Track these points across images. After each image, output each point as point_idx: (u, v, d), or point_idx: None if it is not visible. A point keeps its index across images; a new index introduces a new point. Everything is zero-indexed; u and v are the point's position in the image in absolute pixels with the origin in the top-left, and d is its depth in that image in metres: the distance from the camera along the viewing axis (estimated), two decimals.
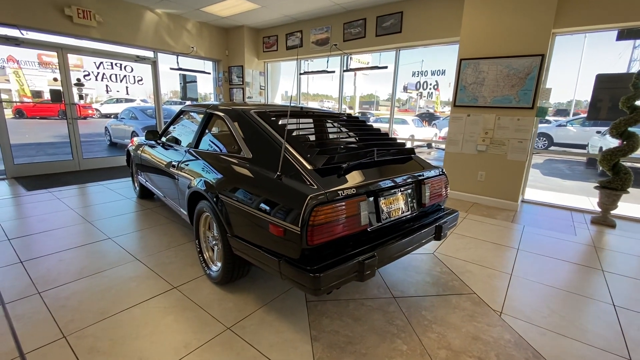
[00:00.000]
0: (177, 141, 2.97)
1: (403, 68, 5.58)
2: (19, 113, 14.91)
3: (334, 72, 6.39)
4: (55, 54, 5.25)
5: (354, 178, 1.75)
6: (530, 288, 2.35)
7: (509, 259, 2.82)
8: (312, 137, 2.44)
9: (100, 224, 3.28)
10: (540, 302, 2.19)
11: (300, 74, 6.93)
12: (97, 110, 16.31)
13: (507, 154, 4.25)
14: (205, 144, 2.50)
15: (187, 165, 2.46)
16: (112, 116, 11.52)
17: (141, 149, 3.55)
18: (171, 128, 3.21)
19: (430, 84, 5.36)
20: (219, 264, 2.20)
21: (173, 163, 2.68)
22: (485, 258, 2.81)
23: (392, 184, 1.90)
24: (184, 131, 2.96)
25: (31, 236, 2.94)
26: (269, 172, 1.78)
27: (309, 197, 1.48)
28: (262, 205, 1.68)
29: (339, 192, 1.58)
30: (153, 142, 3.28)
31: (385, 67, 5.69)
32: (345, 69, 6.20)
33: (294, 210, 1.51)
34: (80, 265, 2.45)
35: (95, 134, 11.70)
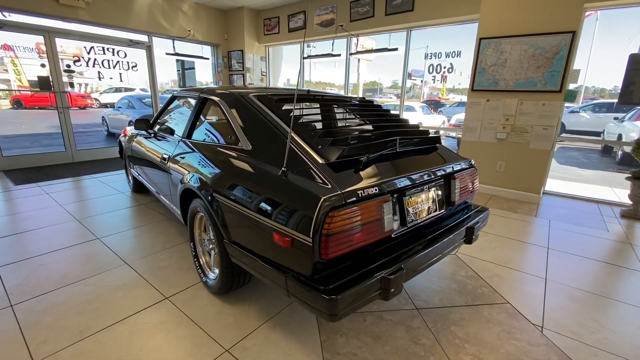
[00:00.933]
0: (170, 131, 2.67)
1: (414, 52, 5.19)
2: (17, 103, 14.63)
3: (339, 55, 6.00)
4: (42, 38, 4.91)
5: (374, 174, 1.45)
6: (570, 296, 2.07)
7: (540, 259, 2.53)
8: (323, 125, 2.13)
9: (90, 221, 3.02)
10: (585, 313, 1.90)
11: (304, 58, 6.54)
12: (96, 100, 16.02)
13: (530, 143, 3.91)
14: (200, 133, 2.20)
15: (179, 158, 2.16)
16: (110, 106, 11.23)
17: (133, 139, 3.26)
18: (166, 117, 2.90)
19: (444, 67, 4.98)
20: (217, 271, 1.93)
21: (164, 156, 2.38)
22: (513, 259, 2.52)
23: (420, 180, 1.60)
24: (177, 119, 2.66)
25: (12, 237, 2.68)
26: (272, 167, 1.48)
27: (322, 200, 1.19)
28: (264, 208, 1.39)
29: (359, 191, 1.28)
30: (144, 132, 2.98)
31: (395, 49, 5.30)
32: (352, 51, 5.80)
33: (303, 215, 1.22)
34: (62, 271, 2.19)
35: (94, 124, 11.45)
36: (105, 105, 13.78)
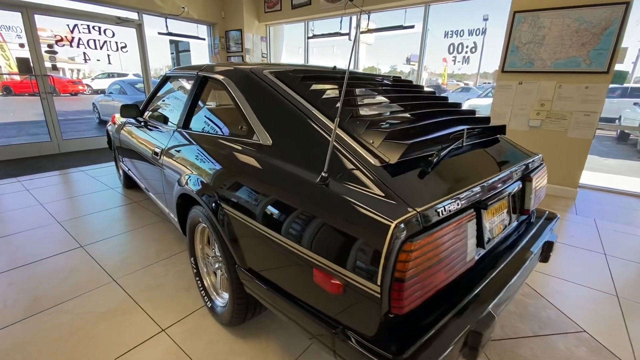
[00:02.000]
0: (164, 119, 2.24)
1: (432, 30, 4.69)
2: (7, 90, 14.00)
3: (348, 34, 5.49)
4: (19, 15, 4.37)
5: (444, 179, 1.04)
6: None
7: (601, 270, 2.16)
8: (362, 112, 1.71)
9: (73, 225, 2.61)
10: None
11: (309, 37, 6.01)
12: (88, 86, 15.40)
13: (568, 131, 3.50)
14: (199, 122, 1.76)
15: (174, 152, 1.74)
16: (101, 92, 10.69)
17: (122, 129, 2.81)
18: (159, 103, 2.45)
19: (467, 47, 4.50)
20: (226, 297, 1.54)
21: (156, 149, 1.96)
22: (570, 269, 2.15)
23: (498, 185, 1.19)
24: (172, 105, 2.21)
25: None
26: (305, 170, 1.06)
27: (394, 226, 0.78)
28: (296, 230, 0.98)
29: (438, 209, 0.88)
30: (133, 121, 2.54)
31: (412, 27, 4.80)
32: (362, 30, 5.29)
33: (363, 249, 0.82)
34: (35, 293, 1.79)
35: (86, 112, 10.95)
36: (97, 92, 13.22)
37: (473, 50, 4.45)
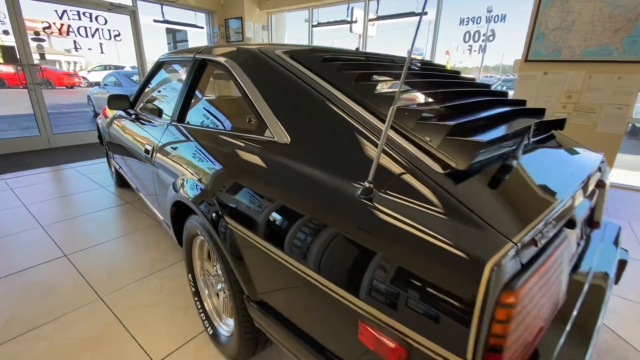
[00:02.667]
0: (157, 112, 1.97)
1: (445, 18, 4.40)
2: (0, 82, 13.66)
3: (355, 21, 5.18)
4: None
5: (520, 190, 0.78)
6: None
7: None
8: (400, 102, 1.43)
9: (58, 229, 2.35)
10: None
11: (313, 26, 5.70)
12: (84, 78, 15.10)
13: (597, 125, 3.23)
14: (197, 114, 1.50)
15: (168, 149, 1.47)
16: (96, 84, 10.38)
17: (112, 122, 2.54)
18: (152, 93, 2.17)
19: (483, 35, 4.21)
20: (231, 324, 1.29)
21: (147, 146, 1.69)
22: (622, 283, 1.90)
23: (580, 194, 0.93)
24: (166, 95, 1.94)
25: None
26: (337, 177, 0.80)
27: (490, 268, 0.52)
28: (329, 265, 0.72)
29: (535, 237, 0.62)
30: (123, 113, 2.26)
31: (425, 14, 4.49)
32: (371, 17, 4.99)
33: (439, 301, 0.56)
34: (5, 315, 1.54)
35: (81, 105, 10.68)
36: (93, 85, 12.92)
37: (491, 38, 4.16)
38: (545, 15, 3.26)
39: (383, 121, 0.86)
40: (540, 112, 1.32)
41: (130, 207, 2.78)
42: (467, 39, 4.35)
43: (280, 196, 0.86)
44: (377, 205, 0.69)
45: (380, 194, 0.71)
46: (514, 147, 0.88)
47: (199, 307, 1.42)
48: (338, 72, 1.02)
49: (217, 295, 1.37)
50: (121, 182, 3.17)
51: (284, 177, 0.89)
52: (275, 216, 0.85)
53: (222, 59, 1.30)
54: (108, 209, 2.73)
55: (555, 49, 3.28)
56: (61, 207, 2.72)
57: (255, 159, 1.00)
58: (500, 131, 0.90)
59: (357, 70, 1.11)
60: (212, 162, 1.15)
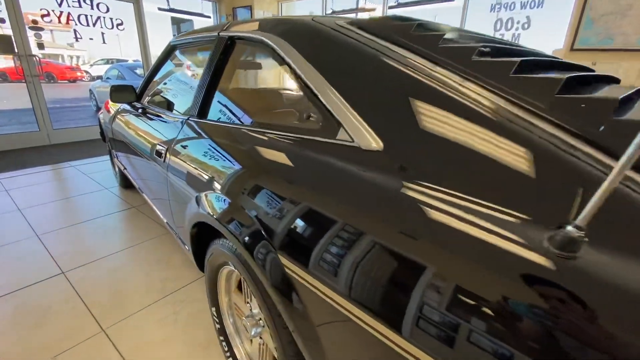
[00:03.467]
0: (168, 105, 1.67)
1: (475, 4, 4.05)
2: (2, 76, 13.43)
3: (374, 10, 4.84)
4: None
5: None
6: None
7: None
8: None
9: (56, 239, 2.07)
10: None
11: (328, 14, 5.35)
12: (87, 72, 14.93)
13: None
14: (224, 108, 1.19)
15: (186, 153, 1.17)
16: (98, 78, 10.13)
17: (116, 118, 2.24)
18: (162, 83, 1.87)
19: (518, 22, 3.86)
20: None
21: (159, 147, 1.39)
22: None
23: None
24: (181, 85, 1.64)
25: None
26: (489, 208, 0.49)
27: None
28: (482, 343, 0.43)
29: None
30: (128, 107, 1.97)
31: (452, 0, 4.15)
32: (390, 4, 4.64)
33: None
34: None
35: (84, 99, 10.42)
36: (96, 79, 12.69)
37: (525, 26, 3.81)
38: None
39: (554, 115, 0.54)
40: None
41: (136, 212, 2.49)
42: (498, 27, 4.00)
43: (387, 237, 0.55)
44: (587, 265, 0.39)
45: (592, 249, 0.41)
46: None
47: (226, 351, 1.13)
48: (444, 47, 0.70)
49: (251, 340, 1.08)
50: (126, 183, 2.88)
51: (385, 204, 0.58)
52: (371, 265, 0.55)
53: (259, 36, 0.99)
54: (111, 214, 2.44)
55: (606, 36, 2.94)
56: (59, 212, 2.44)
57: (330, 173, 0.68)
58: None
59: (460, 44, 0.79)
60: (257, 176, 0.83)
